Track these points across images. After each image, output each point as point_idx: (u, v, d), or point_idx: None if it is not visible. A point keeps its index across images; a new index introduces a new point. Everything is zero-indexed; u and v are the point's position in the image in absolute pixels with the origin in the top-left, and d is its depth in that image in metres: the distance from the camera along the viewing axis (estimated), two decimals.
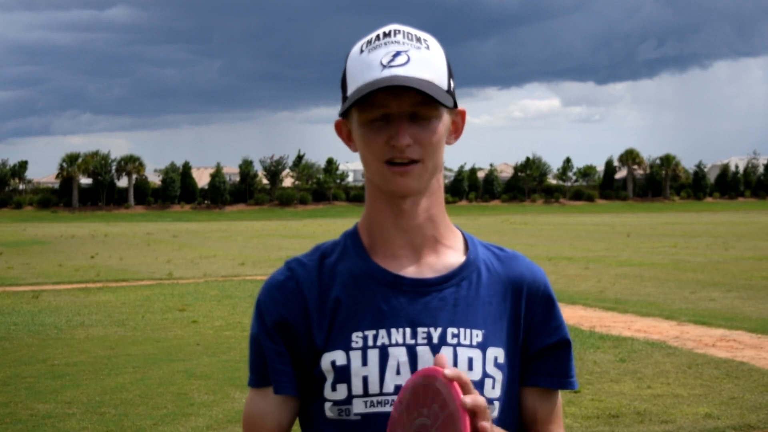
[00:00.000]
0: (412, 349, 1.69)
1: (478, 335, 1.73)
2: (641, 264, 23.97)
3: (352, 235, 1.82)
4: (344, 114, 1.75)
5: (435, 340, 1.70)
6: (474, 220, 70.05)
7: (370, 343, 1.70)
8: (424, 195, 1.75)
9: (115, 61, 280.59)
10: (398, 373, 1.68)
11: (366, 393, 1.68)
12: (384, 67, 1.66)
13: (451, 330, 1.71)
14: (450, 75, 1.74)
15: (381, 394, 1.68)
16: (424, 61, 1.68)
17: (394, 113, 1.67)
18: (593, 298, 16.49)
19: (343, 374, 1.69)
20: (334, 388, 1.70)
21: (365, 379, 1.68)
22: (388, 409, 1.67)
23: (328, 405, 1.71)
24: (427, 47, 1.70)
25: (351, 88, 1.69)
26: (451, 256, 1.79)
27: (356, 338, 1.70)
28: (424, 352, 1.69)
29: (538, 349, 1.81)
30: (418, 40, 1.70)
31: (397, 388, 1.67)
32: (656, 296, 16.64)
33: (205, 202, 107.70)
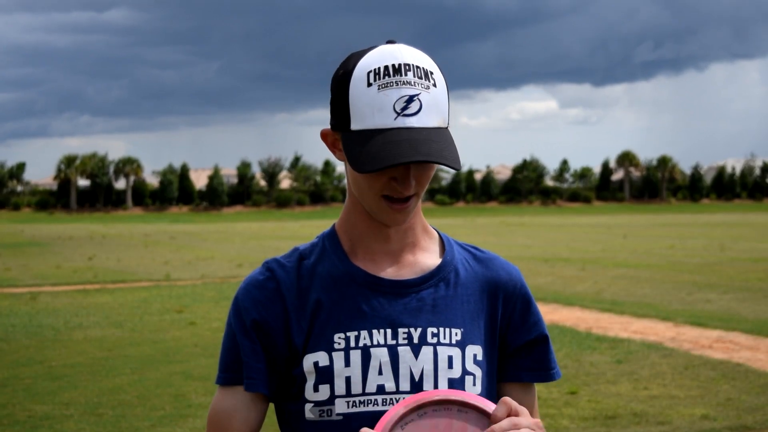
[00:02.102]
0: (393, 350, 1.73)
1: (457, 334, 1.77)
2: (638, 265, 24.00)
3: (330, 237, 1.85)
4: (333, 127, 1.76)
5: (415, 340, 1.74)
6: (471, 222, 70.07)
7: (353, 344, 1.73)
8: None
9: (113, 62, 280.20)
10: (380, 373, 1.72)
11: (348, 393, 1.71)
12: (398, 114, 1.66)
13: (430, 329, 1.76)
14: (449, 105, 1.77)
15: (363, 394, 1.71)
16: (434, 104, 1.70)
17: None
18: (590, 299, 16.51)
19: (325, 375, 1.72)
20: (316, 389, 1.73)
21: (348, 380, 1.71)
22: (370, 408, 1.71)
23: (308, 406, 1.74)
24: (435, 84, 1.71)
25: (358, 123, 1.68)
26: (428, 258, 1.83)
27: (338, 339, 1.73)
28: (405, 352, 1.73)
29: (518, 346, 1.87)
30: (426, 76, 1.70)
31: (380, 387, 1.71)
32: (653, 298, 16.66)
33: (203, 203, 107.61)
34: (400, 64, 1.69)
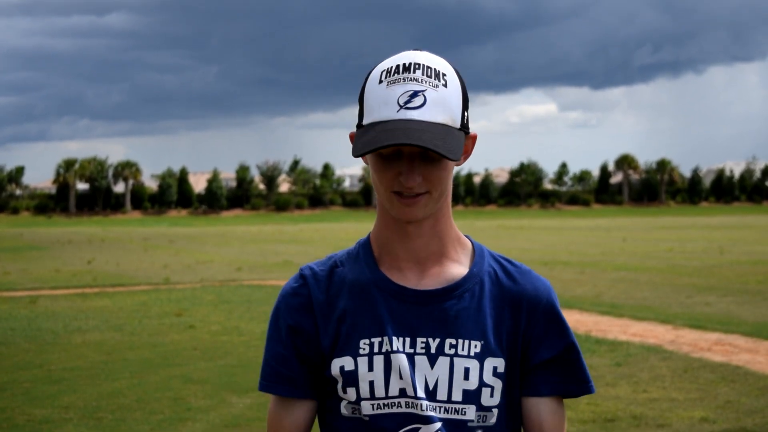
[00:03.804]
0: (410, 358, 1.78)
1: (476, 346, 1.80)
2: (637, 268, 24.00)
3: (365, 245, 1.90)
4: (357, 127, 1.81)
5: (433, 350, 1.78)
6: (470, 225, 70.06)
7: (376, 349, 1.79)
8: (429, 218, 1.81)
9: (112, 66, 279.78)
10: (401, 378, 1.77)
11: (372, 396, 1.78)
12: (400, 107, 1.71)
13: (449, 341, 1.79)
14: (465, 107, 1.79)
15: (387, 397, 1.77)
16: (440, 101, 1.73)
17: (406, 151, 1.73)
18: (589, 302, 16.50)
19: (351, 379, 1.79)
20: (345, 391, 1.80)
21: (371, 384, 1.78)
22: (394, 410, 1.77)
23: (343, 403, 1.82)
24: (445, 84, 1.75)
25: (367, 117, 1.75)
26: (455, 268, 1.85)
27: (363, 345, 1.79)
28: (421, 361, 1.78)
29: (542, 361, 1.87)
30: (437, 76, 1.74)
31: (402, 391, 1.77)
32: (652, 300, 16.67)
33: (202, 207, 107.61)
34: (410, 63, 1.74)
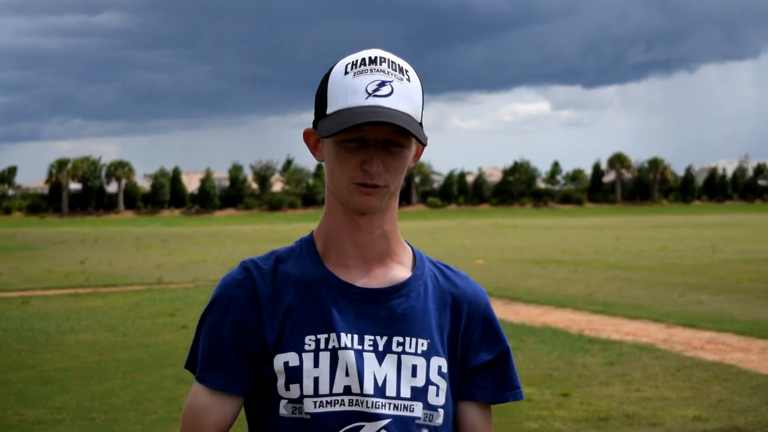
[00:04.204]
0: (359, 354, 1.78)
1: (423, 344, 1.83)
2: (630, 267, 24.04)
3: (308, 242, 1.90)
4: (314, 124, 1.84)
5: (380, 348, 1.80)
6: (463, 224, 70.11)
7: (322, 346, 1.78)
8: (380, 213, 1.84)
9: (105, 66, 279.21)
10: (347, 375, 1.77)
11: (316, 393, 1.76)
12: (369, 95, 1.75)
13: (396, 338, 1.81)
14: (422, 108, 1.84)
15: (331, 394, 1.76)
16: (406, 93, 1.78)
17: (370, 139, 1.76)
18: (582, 301, 16.53)
19: (295, 375, 1.77)
20: (287, 388, 1.78)
21: (316, 380, 1.76)
22: (337, 408, 1.76)
23: (283, 403, 1.79)
24: (408, 79, 1.80)
25: (332, 107, 1.78)
26: (399, 270, 1.88)
27: (309, 341, 1.78)
28: (369, 358, 1.79)
29: (478, 365, 1.90)
30: (401, 71, 1.80)
31: (346, 389, 1.76)
32: (645, 299, 16.69)
33: (195, 206, 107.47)
34: (376, 57, 1.79)
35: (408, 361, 1.81)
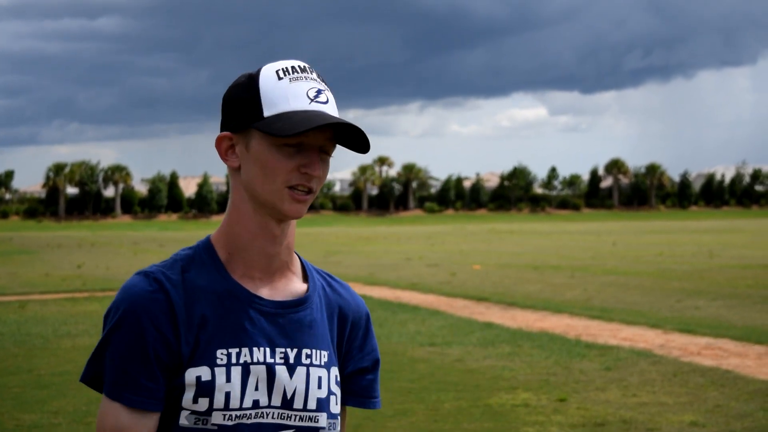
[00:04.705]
0: (271, 368, 1.78)
1: (324, 355, 1.86)
2: (627, 272, 24.05)
3: (208, 250, 1.86)
4: (235, 129, 1.81)
5: (291, 360, 1.81)
6: (460, 229, 70.12)
7: (234, 360, 1.76)
8: (292, 223, 1.86)
9: (103, 70, 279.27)
10: (257, 389, 1.77)
11: (227, 407, 1.74)
12: (311, 100, 1.77)
13: (305, 351, 1.83)
14: None
15: (240, 408, 1.75)
16: (334, 104, 1.82)
17: (308, 144, 1.77)
18: (579, 306, 16.53)
19: (206, 389, 1.74)
20: (195, 401, 1.74)
21: (227, 395, 1.74)
22: (245, 421, 1.75)
23: (185, 414, 1.75)
24: (330, 91, 1.84)
25: (272, 110, 1.76)
26: (296, 282, 1.89)
27: (221, 355, 1.76)
28: (281, 371, 1.79)
29: (353, 371, 1.95)
30: (325, 82, 1.84)
31: (255, 403, 1.76)
32: (642, 305, 16.70)
33: (192, 211, 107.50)
34: (304, 66, 1.82)
35: (315, 372, 1.82)
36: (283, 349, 1.80)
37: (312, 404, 1.81)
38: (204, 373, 1.74)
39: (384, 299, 18.21)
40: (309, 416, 1.81)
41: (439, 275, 24.18)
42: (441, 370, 10.46)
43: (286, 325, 1.82)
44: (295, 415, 1.80)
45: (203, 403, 1.74)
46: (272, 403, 1.77)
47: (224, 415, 1.74)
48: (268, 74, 1.79)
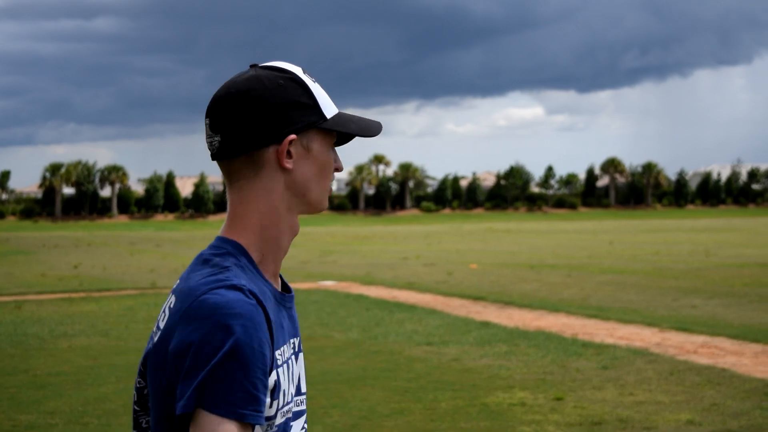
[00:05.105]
0: (294, 358, 1.85)
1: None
2: (623, 271, 24.07)
3: (245, 255, 1.81)
4: (298, 130, 1.79)
5: (297, 349, 1.88)
6: (457, 229, 70.14)
7: (285, 357, 1.81)
8: None
9: (100, 70, 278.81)
10: (292, 380, 1.82)
11: (283, 406, 1.77)
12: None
13: (300, 338, 1.92)
14: None
15: (287, 403, 1.78)
16: None
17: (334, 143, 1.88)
18: (576, 305, 16.54)
19: (276, 392, 1.75)
20: (270, 405, 1.73)
21: (284, 393, 1.77)
22: (288, 416, 1.79)
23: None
24: None
25: (327, 111, 1.81)
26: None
27: (278, 356, 1.78)
28: (300, 361, 1.88)
29: None
30: None
31: (291, 394, 1.81)
32: (638, 303, 16.72)
33: (189, 211, 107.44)
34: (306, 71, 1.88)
35: (302, 357, 1.91)
36: (293, 340, 1.86)
37: (305, 387, 1.90)
38: (273, 376, 1.74)
39: (381, 299, 18.23)
40: (304, 399, 1.90)
41: (436, 274, 24.19)
42: (438, 370, 10.47)
43: (293, 317, 1.89)
44: (301, 400, 1.87)
45: (274, 406, 1.73)
46: (295, 393, 1.82)
47: (281, 414, 1.76)
48: (301, 75, 1.83)
